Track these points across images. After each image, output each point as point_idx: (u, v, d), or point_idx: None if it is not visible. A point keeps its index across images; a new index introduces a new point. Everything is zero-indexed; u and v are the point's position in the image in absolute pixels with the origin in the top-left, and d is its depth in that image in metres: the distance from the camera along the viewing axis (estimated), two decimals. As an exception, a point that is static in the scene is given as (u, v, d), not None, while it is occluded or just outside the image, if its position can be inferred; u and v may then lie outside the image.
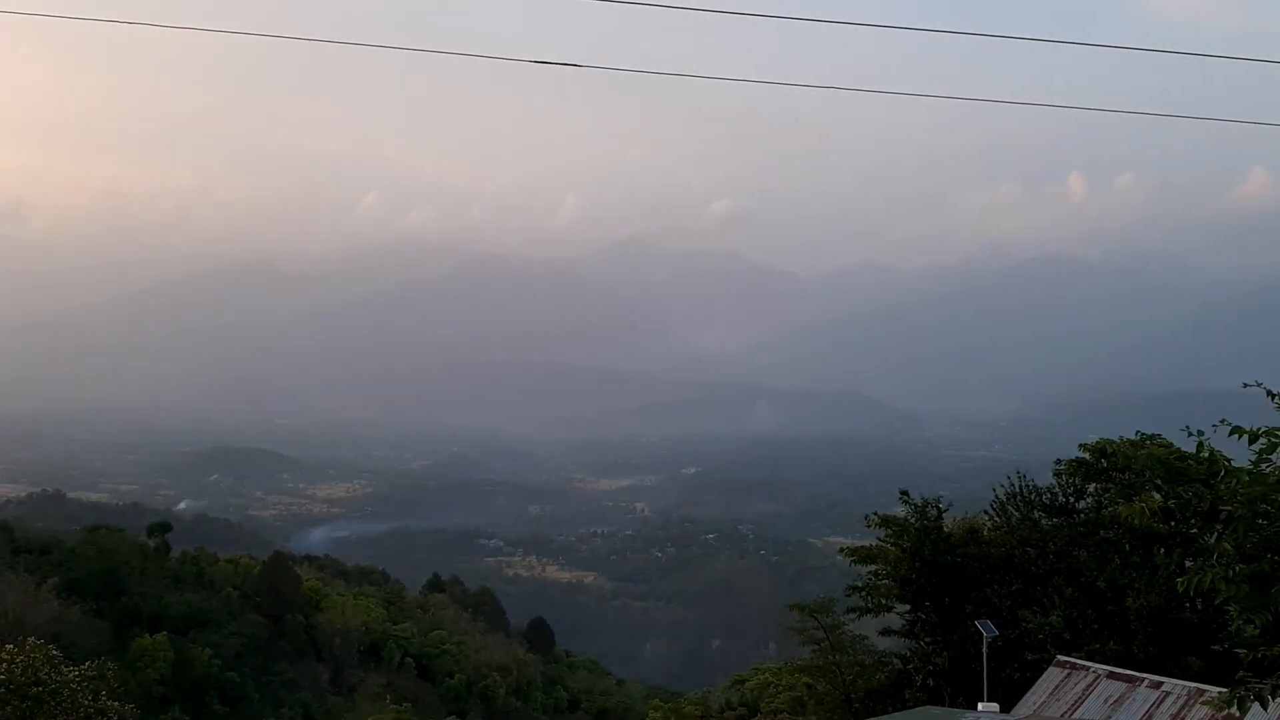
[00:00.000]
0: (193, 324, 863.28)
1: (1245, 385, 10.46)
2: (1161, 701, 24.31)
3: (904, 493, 40.33)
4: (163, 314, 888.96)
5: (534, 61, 17.09)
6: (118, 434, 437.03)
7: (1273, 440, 10.13)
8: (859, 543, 42.56)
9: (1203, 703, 22.37)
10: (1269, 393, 9.93)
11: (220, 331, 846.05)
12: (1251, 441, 10.14)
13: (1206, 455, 10.79)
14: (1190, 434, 11.01)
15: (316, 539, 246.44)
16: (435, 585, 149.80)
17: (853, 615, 40.28)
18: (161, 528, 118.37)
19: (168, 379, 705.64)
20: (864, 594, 39.54)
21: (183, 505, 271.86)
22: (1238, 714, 10.28)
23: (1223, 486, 10.35)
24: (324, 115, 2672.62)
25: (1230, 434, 10.26)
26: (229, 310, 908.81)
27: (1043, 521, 38.92)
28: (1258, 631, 10.02)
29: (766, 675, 61.78)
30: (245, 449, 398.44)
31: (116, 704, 30.70)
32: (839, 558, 43.58)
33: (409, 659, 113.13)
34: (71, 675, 29.82)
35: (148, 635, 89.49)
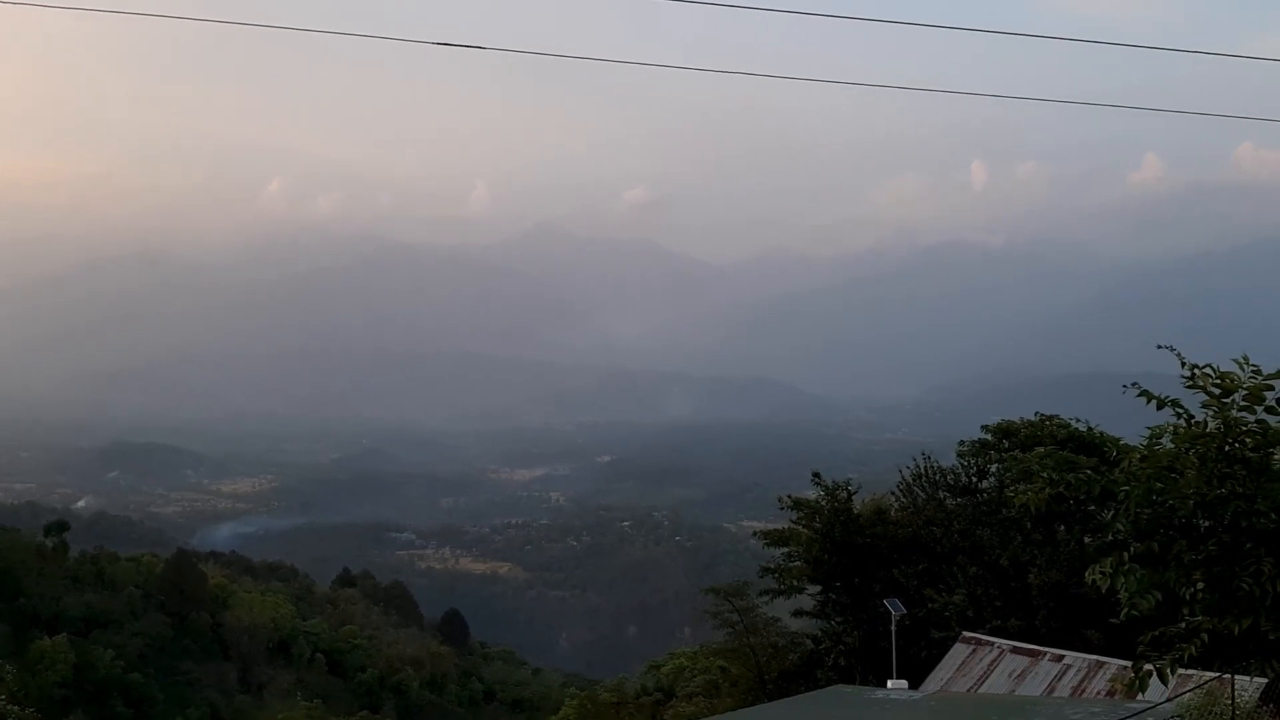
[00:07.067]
0: (91, 315, 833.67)
1: (1159, 347, 10.82)
2: (1063, 674, 25.03)
3: (815, 475, 40.96)
4: (59, 305, 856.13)
5: (436, 44, 16.75)
6: (11, 431, 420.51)
7: (1163, 425, 10.52)
8: (772, 526, 43.15)
9: (1109, 681, 23.10)
10: (1180, 359, 10.27)
11: (119, 323, 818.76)
12: (1160, 407, 10.55)
13: (1096, 438, 11.16)
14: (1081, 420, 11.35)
15: (222, 536, 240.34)
16: (345, 580, 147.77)
17: (766, 598, 40.88)
18: (59, 527, 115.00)
19: (64, 373, 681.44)
20: (777, 576, 40.17)
21: (81, 503, 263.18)
22: (1139, 689, 10.61)
23: (1115, 473, 10.66)
24: (225, 100, 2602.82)
25: (1139, 395, 10.63)
26: (128, 301, 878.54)
27: (947, 501, 39.87)
28: (1154, 606, 10.32)
29: (682, 660, 62.21)
30: (146, 444, 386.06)
31: (16, 708, 29.78)
32: (753, 541, 44.19)
33: (319, 655, 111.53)
34: (-32, 679, 28.78)
35: (47, 637, 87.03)
